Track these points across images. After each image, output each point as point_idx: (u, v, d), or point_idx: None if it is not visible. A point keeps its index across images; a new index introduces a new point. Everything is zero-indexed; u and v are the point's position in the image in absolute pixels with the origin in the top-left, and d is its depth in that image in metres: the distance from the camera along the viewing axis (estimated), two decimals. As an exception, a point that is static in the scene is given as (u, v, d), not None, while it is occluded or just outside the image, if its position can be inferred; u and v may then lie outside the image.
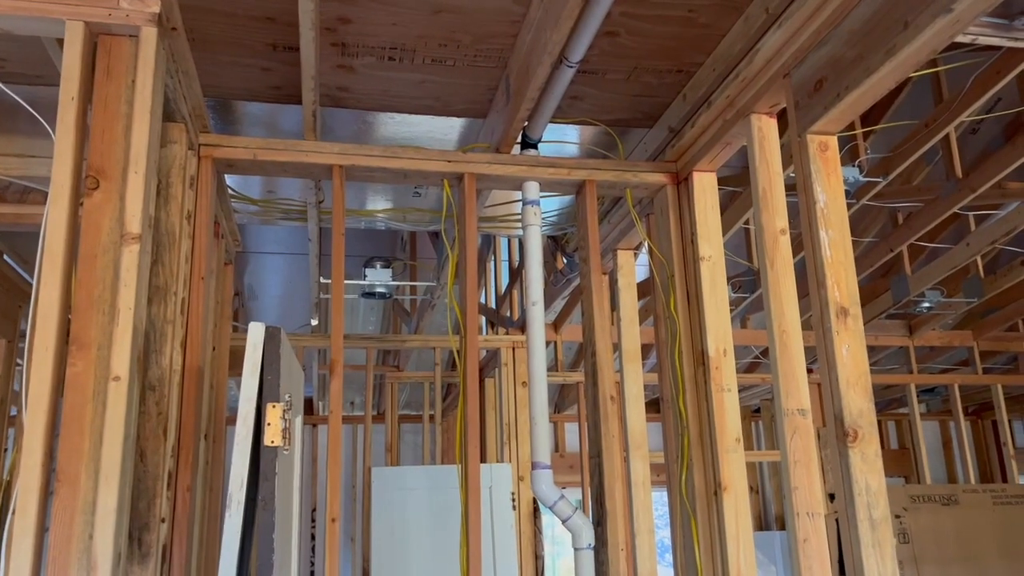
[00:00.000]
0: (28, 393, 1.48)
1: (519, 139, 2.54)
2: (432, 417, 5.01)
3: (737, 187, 3.33)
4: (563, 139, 2.82)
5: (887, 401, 6.66)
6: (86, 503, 1.46)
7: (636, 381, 2.82)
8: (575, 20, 1.92)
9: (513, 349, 4.49)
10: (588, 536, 2.36)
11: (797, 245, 2.23)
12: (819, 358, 1.84)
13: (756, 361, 5.43)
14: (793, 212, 2.04)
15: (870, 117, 3.38)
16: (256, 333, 1.79)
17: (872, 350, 5.30)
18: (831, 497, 4.47)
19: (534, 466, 2.36)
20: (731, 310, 4.38)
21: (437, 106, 2.59)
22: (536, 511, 4.29)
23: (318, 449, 6.05)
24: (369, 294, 3.85)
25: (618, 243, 3.00)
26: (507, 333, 4.65)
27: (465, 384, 2.36)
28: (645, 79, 2.45)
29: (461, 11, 2.11)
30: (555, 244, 3.77)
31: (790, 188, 2.08)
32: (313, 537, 6.05)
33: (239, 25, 2.13)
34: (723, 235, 2.55)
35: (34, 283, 1.55)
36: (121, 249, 1.60)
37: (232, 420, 2.12)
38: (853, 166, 3.34)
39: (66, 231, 1.56)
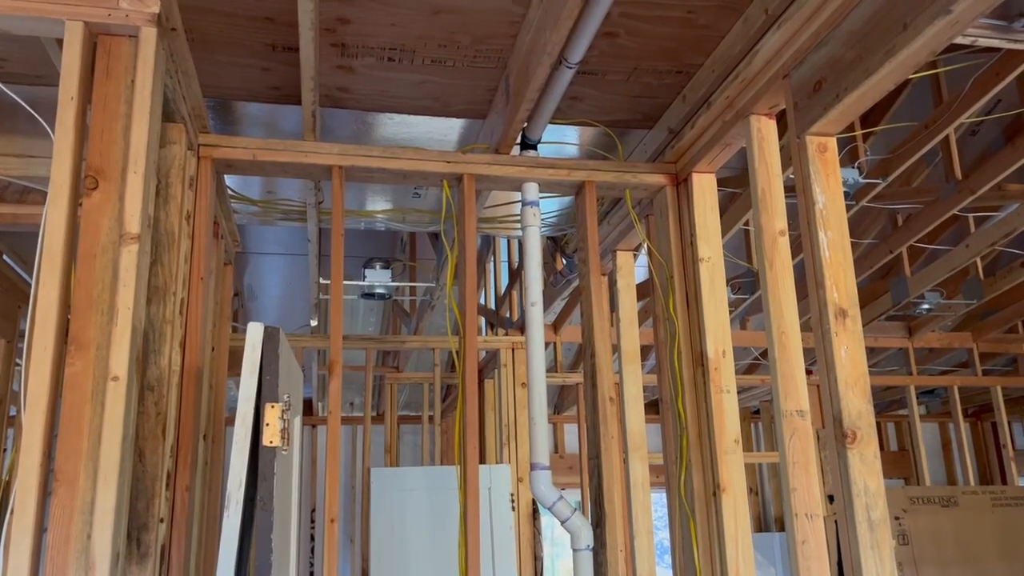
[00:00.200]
0: (27, 393, 1.48)
1: (518, 140, 2.54)
2: (431, 418, 5.01)
3: (737, 188, 3.33)
4: (562, 140, 2.82)
5: (887, 403, 6.66)
6: (84, 503, 1.46)
7: (635, 382, 2.82)
8: (574, 21, 1.92)
9: (512, 350, 4.49)
10: (587, 537, 2.36)
11: (796, 246, 2.23)
12: (818, 360, 1.84)
13: (755, 362, 5.43)
14: (792, 213, 2.04)
15: (870, 118, 3.38)
16: (255, 333, 1.79)
17: (872, 352, 5.31)
18: (830, 499, 4.47)
19: (533, 467, 2.36)
20: (730, 311, 4.39)
21: (436, 107, 2.60)
22: (535, 512, 4.28)
23: (317, 450, 6.05)
24: (368, 295, 3.85)
25: (617, 244, 3.00)
26: (506, 334, 4.66)
27: (464, 385, 2.36)
28: (644, 80, 2.45)
29: (460, 12, 2.11)
30: (555, 245, 3.77)
31: (789, 189, 2.08)
32: (312, 538, 6.05)
33: (238, 25, 2.13)
34: (723, 236, 2.55)
35: (33, 283, 1.55)
36: (120, 249, 1.60)
37: (231, 420, 2.12)
38: (853, 167, 3.34)
39: (65, 231, 1.56)
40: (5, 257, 3.46)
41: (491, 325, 5.07)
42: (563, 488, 2.53)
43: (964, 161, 3.55)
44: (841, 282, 1.82)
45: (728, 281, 4.02)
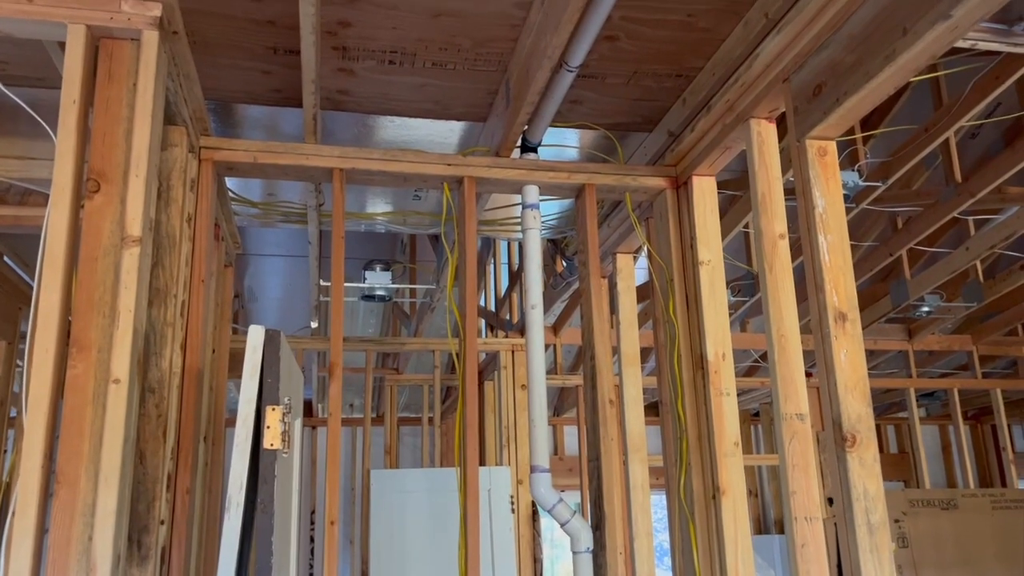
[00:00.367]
0: (28, 395, 1.48)
1: (519, 143, 2.55)
2: (431, 420, 5.01)
3: (737, 191, 3.34)
4: (563, 143, 2.83)
5: (886, 405, 6.66)
6: (86, 505, 1.47)
7: (635, 384, 2.82)
8: (575, 24, 1.92)
9: (512, 352, 4.49)
10: (587, 539, 2.36)
11: (796, 249, 2.24)
12: (817, 363, 1.84)
13: (756, 365, 5.43)
14: (792, 216, 2.05)
15: (870, 121, 3.39)
16: (256, 336, 1.79)
17: (871, 354, 5.31)
18: (830, 501, 4.47)
19: (533, 469, 2.37)
20: (731, 314, 4.39)
21: (437, 109, 2.60)
22: (535, 514, 4.29)
23: (317, 451, 6.05)
24: (369, 297, 3.86)
25: (617, 247, 3.01)
26: (506, 336, 4.66)
27: (464, 387, 2.36)
28: (645, 83, 2.45)
29: (461, 15, 2.11)
30: (555, 247, 3.78)
31: (789, 192, 2.08)
32: (312, 539, 6.05)
33: (240, 28, 2.14)
34: (723, 239, 2.56)
35: (35, 285, 1.56)
36: (122, 252, 1.60)
37: (231, 422, 2.13)
38: (853, 170, 3.34)
39: (67, 234, 1.56)
40: (6, 259, 3.46)
41: (491, 327, 5.08)
42: (563, 490, 2.54)
43: (964, 164, 3.55)
44: (841, 286, 1.83)
45: (728, 284, 4.02)
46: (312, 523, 6.03)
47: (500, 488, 4.03)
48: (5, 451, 3.60)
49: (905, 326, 5.24)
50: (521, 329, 4.50)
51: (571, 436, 6.61)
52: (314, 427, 6.14)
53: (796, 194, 1.94)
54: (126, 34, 1.68)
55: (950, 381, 5.48)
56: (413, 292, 4.75)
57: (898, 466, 6.84)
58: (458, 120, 2.68)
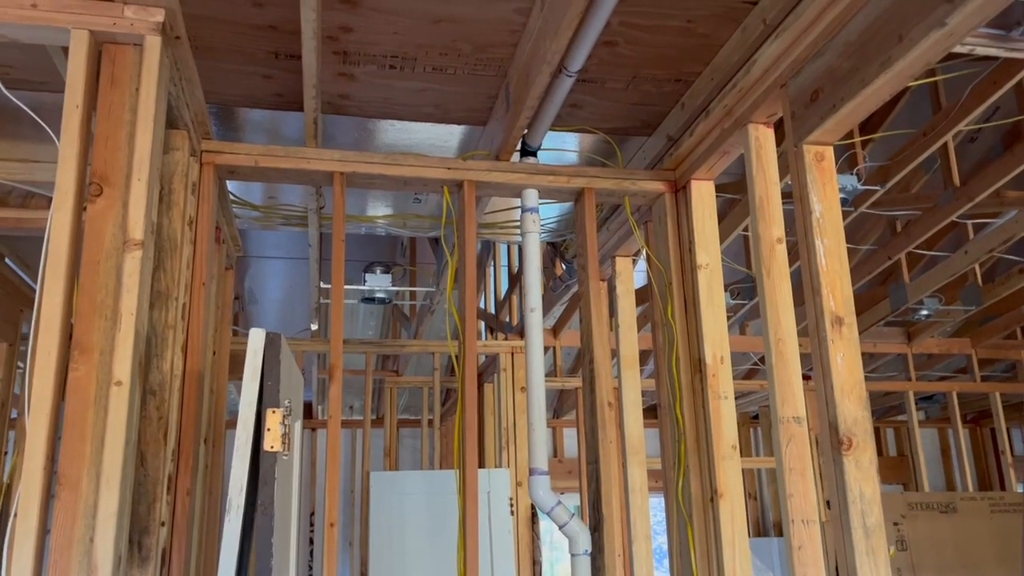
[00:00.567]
0: (30, 397, 1.49)
1: (518, 147, 2.56)
2: (431, 422, 5.02)
3: (736, 194, 3.35)
4: (562, 147, 2.84)
5: (885, 408, 6.67)
6: (87, 507, 1.48)
7: (634, 387, 2.83)
8: (574, 30, 1.94)
9: (512, 354, 4.50)
10: (585, 542, 2.37)
11: (794, 253, 2.25)
12: (814, 367, 1.85)
13: (755, 368, 5.44)
14: (790, 221, 2.06)
15: (868, 125, 3.40)
16: (257, 339, 1.80)
17: (870, 357, 5.32)
18: (828, 504, 4.47)
19: (532, 472, 2.38)
20: (729, 317, 4.40)
21: (437, 114, 2.61)
22: (534, 516, 4.29)
23: (317, 453, 6.06)
24: (369, 299, 3.86)
25: (617, 250, 3.02)
26: (506, 338, 4.67)
27: (464, 389, 2.37)
28: (644, 88, 2.47)
29: (461, 20, 2.13)
30: (554, 250, 3.79)
31: (787, 197, 2.10)
32: (311, 541, 6.06)
33: (241, 33, 2.15)
34: (722, 242, 2.57)
35: (37, 288, 1.57)
36: (124, 255, 1.61)
37: (231, 424, 2.14)
38: (851, 174, 3.35)
39: (69, 237, 1.58)
40: (8, 261, 3.48)
41: (491, 329, 5.09)
42: (562, 492, 2.55)
43: (963, 168, 3.57)
44: (837, 290, 1.84)
45: (727, 287, 4.04)
46: (311, 525, 6.03)
47: (499, 490, 4.04)
48: (6, 453, 3.61)
49: (904, 329, 5.25)
50: (520, 331, 4.51)
51: (570, 438, 6.62)
52: (314, 429, 6.15)
53: (793, 199, 1.96)
54: (129, 39, 1.70)
55: (949, 384, 5.49)
56: (413, 295, 4.76)
57: (897, 469, 6.84)
58: (458, 124, 2.70)
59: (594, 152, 2.87)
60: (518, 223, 3.21)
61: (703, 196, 2.52)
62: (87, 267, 1.59)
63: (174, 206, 2.04)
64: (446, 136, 2.77)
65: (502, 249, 4.99)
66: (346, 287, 3.28)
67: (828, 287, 1.84)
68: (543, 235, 3.43)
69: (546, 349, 4.99)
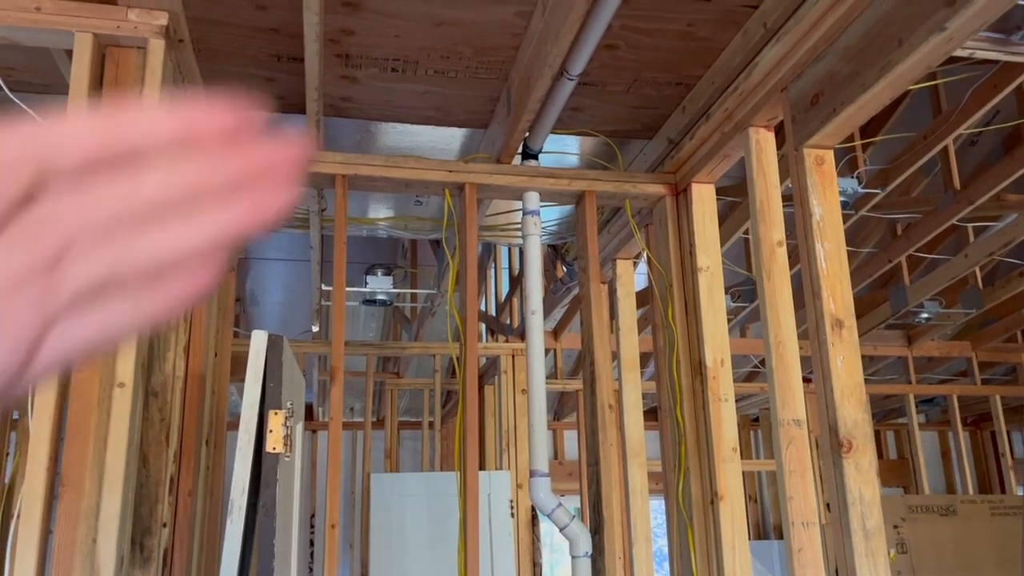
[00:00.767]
0: (34, 399, 1.50)
1: (520, 149, 2.57)
2: (431, 424, 5.03)
3: (736, 197, 3.36)
4: (563, 150, 2.85)
5: (886, 411, 6.67)
6: (90, 508, 1.48)
7: (634, 390, 2.84)
8: (575, 33, 1.94)
9: (513, 356, 4.51)
10: (585, 544, 2.38)
11: (794, 256, 2.25)
12: (814, 370, 1.86)
13: (755, 370, 5.44)
14: (790, 224, 2.07)
15: (869, 129, 3.41)
16: (259, 341, 1.81)
17: (871, 360, 5.32)
18: (829, 506, 4.47)
19: (532, 474, 2.38)
20: (730, 319, 4.41)
21: (439, 116, 2.62)
22: (534, 518, 4.30)
23: (318, 455, 6.06)
24: (370, 301, 3.87)
25: (617, 253, 3.03)
26: (507, 340, 4.67)
27: (464, 391, 2.38)
28: (645, 91, 2.47)
29: (463, 24, 2.13)
30: (555, 253, 3.80)
31: (787, 200, 2.10)
32: (312, 543, 6.06)
33: (244, 36, 2.16)
34: (722, 245, 2.58)
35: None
36: (126, 257, 1.62)
37: (232, 426, 2.14)
38: (852, 177, 3.36)
39: (73, 239, 1.58)
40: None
41: (491, 332, 5.09)
42: (563, 495, 2.55)
43: (963, 171, 3.57)
44: (837, 293, 1.84)
45: (728, 289, 4.04)
46: (312, 527, 6.04)
47: (500, 492, 4.05)
48: (8, 454, 3.61)
49: (904, 332, 5.25)
50: (521, 334, 4.51)
51: (571, 441, 6.62)
52: (315, 431, 6.15)
53: (794, 202, 1.96)
54: (132, 42, 1.70)
55: (949, 387, 5.49)
56: (414, 297, 4.77)
57: (897, 472, 6.84)
58: (460, 127, 2.70)
59: (595, 155, 2.87)
60: (519, 225, 3.22)
61: (704, 199, 2.52)
62: (90, 269, 1.59)
63: (176, 208, 2.04)
64: (447, 139, 2.77)
65: (503, 251, 5.00)
66: (347, 289, 3.29)
67: (828, 290, 1.84)
68: (544, 237, 3.43)
69: (547, 351, 4.99)
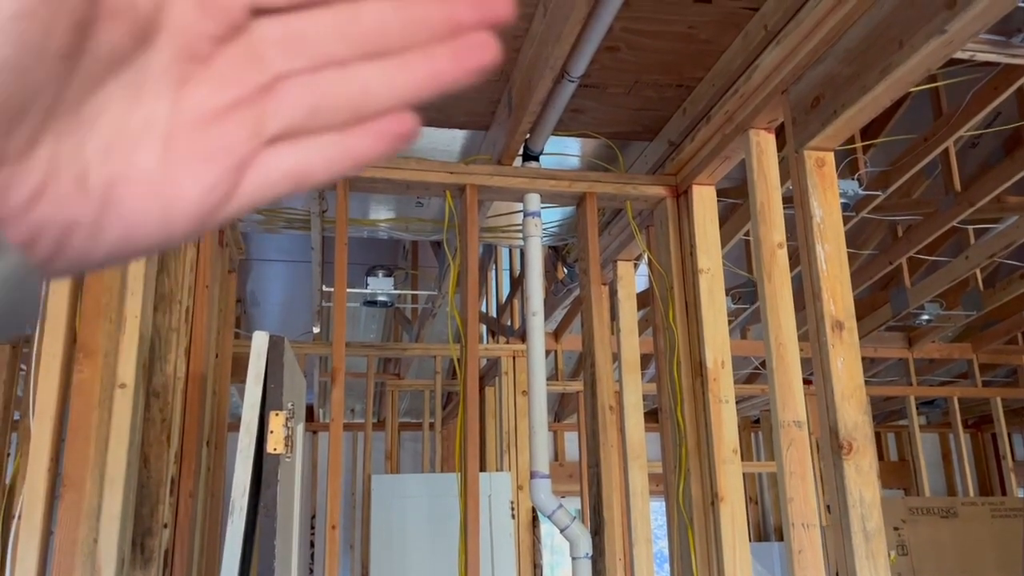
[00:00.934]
0: (35, 399, 1.50)
1: (521, 151, 2.57)
2: (432, 425, 5.03)
3: (737, 199, 3.36)
4: (564, 151, 2.85)
5: (886, 413, 6.66)
6: (91, 508, 1.49)
7: (635, 391, 2.84)
8: (576, 36, 1.95)
9: (513, 358, 4.51)
10: (586, 545, 2.38)
11: (795, 258, 2.26)
12: (814, 371, 1.86)
13: (756, 372, 5.44)
14: (791, 225, 2.07)
15: (869, 131, 3.41)
16: (260, 342, 1.81)
17: (871, 362, 5.32)
18: (829, 508, 4.47)
19: (533, 475, 2.38)
20: (731, 321, 4.41)
21: (440, 118, 2.62)
22: (535, 520, 4.30)
23: (318, 456, 6.06)
24: (371, 302, 3.87)
25: (618, 254, 3.03)
26: (507, 342, 4.68)
27: (465, 392, 2.38)
28: (646, 93, 2.48)
29: (464, 25, 2.13)
30: (556, 254, 3.80)
31: (788, 202, 2.11)
32: (312, 544, 6.06)
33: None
34: (723, 246, 2.58)
35: (43, 291, 1.58)
36: (128, 258, 1.62)
37: (233, 427, 2.15)
38: (853, 179, 3.36)
39: (74, 240, 1.58)
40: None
41: (492, 333, 5.09)
42: (564, 496, 2.55)
43: (964, 173, 3.57)
44: (838, 294, 1.85)
45: (728, 291, 4.04)
46: (313, 528, 6.04)
47: (500, 494, 4.05)
48: (9, 455, 3.61)
49: (905, 334, 5.25)
50: (522, 335, 4.52)
51: (572, 442, 6.62)
52: (315, 432, 6.15)
53: (794, 204, 1.96)
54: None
55: (950, 389, 5.49)
56: (415, 298, 4.77)
57: (898, 474, 6.84)
58: (461, 129, 2.71)
59: (596, 157, 2.88)
60: (520, 227, 3.22)
61: (704, 201, 2.52)
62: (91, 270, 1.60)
63: (178, 209, 2.05)
64: (449, 140, 2.78)
65: (504, 253, 5.00)
66: (348, 290, 3.29)
67: (829, 292, 1.84)
68: (545, 239, 3.44)
69: (547, 353, 4.99)
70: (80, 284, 1.60)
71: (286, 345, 1.88)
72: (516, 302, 4.79)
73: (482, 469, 4.58)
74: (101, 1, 0.21)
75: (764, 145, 2.15)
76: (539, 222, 2.57)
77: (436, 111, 2.58)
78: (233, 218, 0.26)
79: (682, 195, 2.59)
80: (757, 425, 6.92)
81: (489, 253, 4.86)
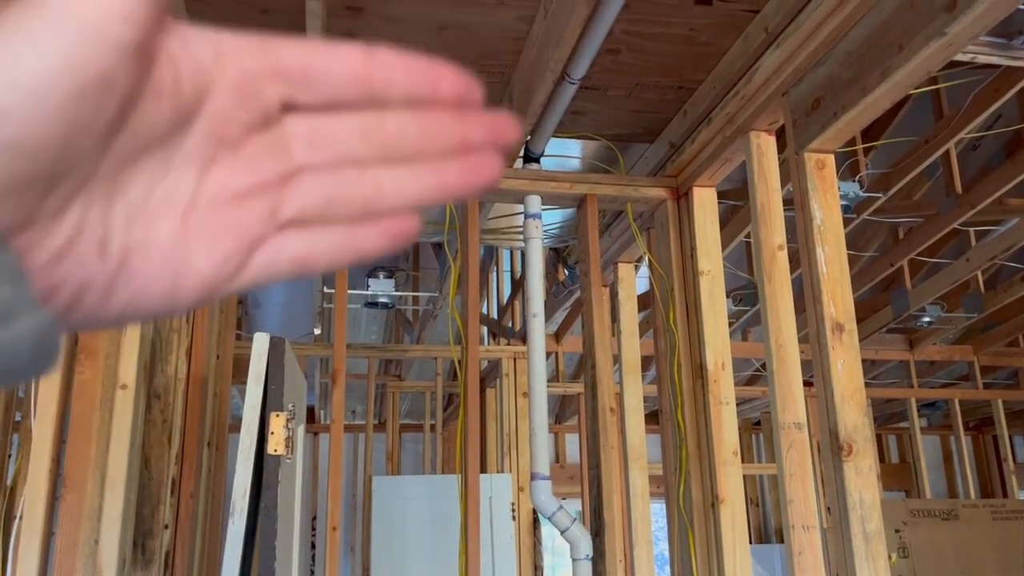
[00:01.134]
0: (37, 400, 1.51)
1: (521, 153, 2.58)
2: (433, 427, 5.03)
3: (738, 201, 3.36)
4: (565, 153, 2.85)
5: (887, 415, 6.66)
6: (92, 509, 1.49)
7: (636, 393, 2.84)
8: (577, 38, 1.95)
9: (514, 359, 4.51)
10: (586, 547, 2.38)
11: (795, 260, 2.26)
12: (815, 373, 1.86)
13: (757, 374, 5.44)
14: (791, 227, 2.07)
15: (870, 133, 3.41)
16: (261, 344, 1.81)
17: (872, 364, 5.32)
18: (830, 510, 4.47)
19: (533, 477, 2.38)
20: (732, 323, 4.41)
21: (441, 120, 2.62)
22: (536, 522, 4.30)
23: (319, 457, 6.06)
24: (372, 304, 3.88)
25: (619, 256, 3.03)
26: (508, 343, 4.68)
27: (466, 394, 2.38)
28: (646, 95, 2.48)
29: (466, 28, 2.14)
30: (557, 256, 3.80)
31: (788, 204, 2.11)
32: (313, 545, 6.06)
33: (247, 39, 2.16)
34: (724, 248, 2.58)
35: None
36: (129, 260, 1.62)
37: (234, 428, 2.15)
38: (853, 181, 3.36)
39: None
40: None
41: (493, 335, 5.10)
42: (565, 498, 2.55)
43: (965, 175, 3.57)
44: (838, 297, 1.85)
45: (729, 293, 4.04)
46: (313, 529, 6.04)
47: (501, 495, 4.05)
48: (10, 456, 3.62)
49: (906, 336, 5.25)
50: (523, 337, 4.52)
51: (572, 444, 6.61)
52: (316, 433, 6.16)
53: (795, 206, 1.97)
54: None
55: (951, 391, 5.49)
56: (416, 299, 4.77)
57: (899, 476, 6.84)
58: (461, 130, 2.71)
59: (597, 158, 2.88)
60: (521, 229, 3.22)
61: (705, 203, 2.53)
62: (93, 271, 1.60)
63: (179, 211, 2.05)
64: (449, 142, 2.78)
65: (505, 254, 5.00)
66: (349, 292, 3.29)
67: (829, 294, 1.85)
68: (546, 241, 3.44)
69: (548, 354, 4.99)
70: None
71: (287, 346, 1.88)
72: (517, 304, 4.80)
73: (483, 471, 4.58)
74: (148, 84, 0.22)
75: (765, 147, 2.15)
76: (540, 224, 2.58)
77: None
78: (235, 293, 0.27)
79: (683, 197, 2.59)
80: (758, 427, 6.91)
81: (490, 255, 4.86)
